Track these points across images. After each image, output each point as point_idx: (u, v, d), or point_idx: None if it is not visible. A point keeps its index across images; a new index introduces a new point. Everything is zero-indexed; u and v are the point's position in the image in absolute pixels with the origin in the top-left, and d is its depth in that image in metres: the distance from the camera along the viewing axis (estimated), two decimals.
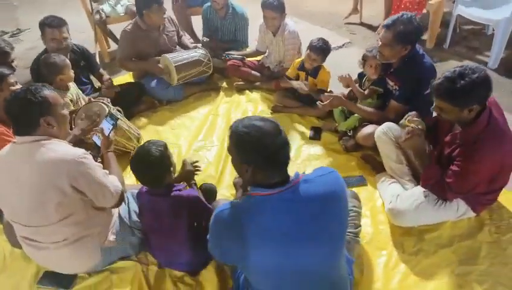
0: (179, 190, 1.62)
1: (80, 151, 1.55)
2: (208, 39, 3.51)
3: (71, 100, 2.47)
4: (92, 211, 1.66)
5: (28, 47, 4.43)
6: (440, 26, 3.78)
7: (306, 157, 2.53)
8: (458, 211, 1.89)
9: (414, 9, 3.64)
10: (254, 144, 1.18)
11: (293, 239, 1.19)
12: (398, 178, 2.12)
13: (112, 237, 1.77)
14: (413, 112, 1.99)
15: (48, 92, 1.56)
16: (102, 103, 2.36)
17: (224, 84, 3.44)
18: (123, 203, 1.79)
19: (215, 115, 3.01)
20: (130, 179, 2.29)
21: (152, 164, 1.54)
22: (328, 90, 2.87)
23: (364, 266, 1.82)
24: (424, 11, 3.70)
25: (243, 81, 3.35)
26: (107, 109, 2.27)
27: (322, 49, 2.72)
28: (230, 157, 2.58)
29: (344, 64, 3.25)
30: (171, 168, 1.62)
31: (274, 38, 3.11)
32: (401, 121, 2.01)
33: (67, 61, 2.41)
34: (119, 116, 2.38)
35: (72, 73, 2.43)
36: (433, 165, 1.86)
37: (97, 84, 3.09)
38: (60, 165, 1.49)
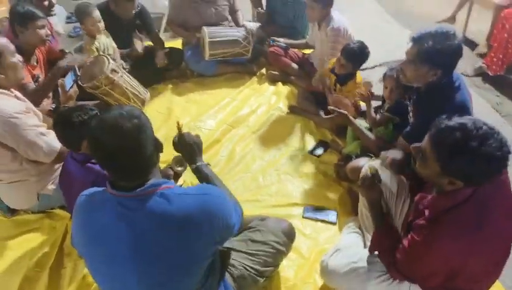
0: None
1: (16, 108, 1.62)
2: (262, 10, 3.37)
3: (97, 48, 2.61)
4: (27, 163, 1.75)
5: None
6: None
7: (289, 171, 2.23)
8: None
9: None
10: (95, 140, 1.02)
11: (120, 252, 1.05)
12: (364, 229, 1.72)
13: (50, 187, 1.86)
14: (390, 152, 1.54)
15: None
16: (106, 58, 2.43)
17: (263, 71, 3.23)
18: None
19: (232, 99, 2.87)
20: None
21: (67, 126, 1.52)
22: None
23: None
24: None
25: (279, 71, 3.10)
26: (106, 62, 2.33)
27: (353, 54, 2.30)
28: (214, 146, 2.49)
29: None
30: None
31: (319, 32, 2.76)
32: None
33: (91, 13, 2.50)
34: (119, 73, 2.42)
35: (97, 25, 2.53)
36: (384, 230, 1.43)
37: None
38: None
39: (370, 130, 2.08)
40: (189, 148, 1.38)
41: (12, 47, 1.75)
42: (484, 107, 2.77)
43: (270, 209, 1.98)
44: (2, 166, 1.71)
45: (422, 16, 4.25)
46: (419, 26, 3.84)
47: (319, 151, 2.36)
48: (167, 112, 2.74)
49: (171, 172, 1.61)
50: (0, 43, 1.67)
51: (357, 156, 2.11)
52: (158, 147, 1.12)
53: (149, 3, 3.95)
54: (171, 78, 3.18)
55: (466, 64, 3.24)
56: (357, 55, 2.31)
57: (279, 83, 3.04)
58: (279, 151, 2.39)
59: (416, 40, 1.64)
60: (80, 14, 2.53)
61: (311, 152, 2.36)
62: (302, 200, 2.04)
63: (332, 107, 2.07)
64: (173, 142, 1.41)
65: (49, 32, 2.32)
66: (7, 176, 1.75)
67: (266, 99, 2.88)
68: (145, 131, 1.04)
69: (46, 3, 2.64)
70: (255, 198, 2.05)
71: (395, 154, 1.57)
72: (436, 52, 1.58)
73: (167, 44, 3.31)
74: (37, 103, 2.12)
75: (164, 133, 2.52)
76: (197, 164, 1.36)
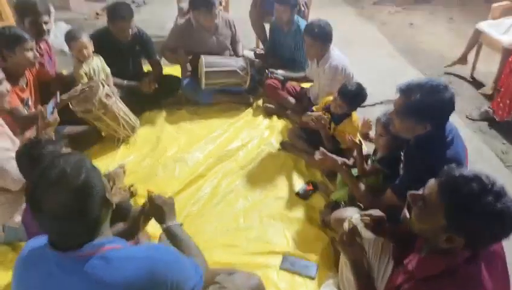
0: None
1: None
2: (262, 49, 3.32)
3: (85, 73, 2.56)
4: None
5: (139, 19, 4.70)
6: None
7: (273, 214, 2.11)
8: None
9: None
10: (33, 202, 0.92)
11: None
12: None
13: (17, 219, 1.78)
14: (373, 211, 1.41)
15: None
16: (100, 83, 2.39)
17: (260, 102, 3.16)
18: None
19: (224, 131, 2.79)
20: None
21: (30, 159, 1.45)
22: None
23: None
24: None
25: (276, 104, 3.02)
26: (100, 87, 2.29)
27: (351, 95, 2.22)
28: (198, 181, 2.38)
29: None
30: None
31: (317, 68, 2.69)
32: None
33: (78, 38, 2.47)
34: (112, 98, 2.37)
35: (83, 51, 2.50)
36: None
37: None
38: None
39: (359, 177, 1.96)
40: (158, 210, 1.39)
41: (1, 75, 1.72)
42: (487, 155, 2.62)
43: (246, 257, 1.85)
44: None
45: (430, 53, 4.16)
46: (426, 64, 3.82)
47: (307, 193, 2.24)
48: (155, 141, 2.67)
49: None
50: None
51: (346, 204, 2.00)
52: (107, 205, 1.01)
53: (158, 26, 3.98)
54: (168, 104, 3.13)
55: (472, 108, 3.11)
56: (353, 96, 2.23)
57: (274, 117, 2.96)
58: (265, 190, 2.27)
59: (404, 91, 1.53)
60: (67, 38, 2.51)
61: (298, 194, 2.25)
62: (282, 249, 1.91)
63: (322, 150, 1.97)
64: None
65: (37, 54, 2.30)
66: None
67: (259, 132, 2.79)
68: (91, 193, 0.94)
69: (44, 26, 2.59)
70: (231, 243, 1.93)
71: (372, 213, 1.43)
72: (423, 106, 1.47)
73: (167, 70, 3.29)
74: (24, 128, 2.09)
75: (148, 163, 2.45)
76: (167, 224, 1.35)
